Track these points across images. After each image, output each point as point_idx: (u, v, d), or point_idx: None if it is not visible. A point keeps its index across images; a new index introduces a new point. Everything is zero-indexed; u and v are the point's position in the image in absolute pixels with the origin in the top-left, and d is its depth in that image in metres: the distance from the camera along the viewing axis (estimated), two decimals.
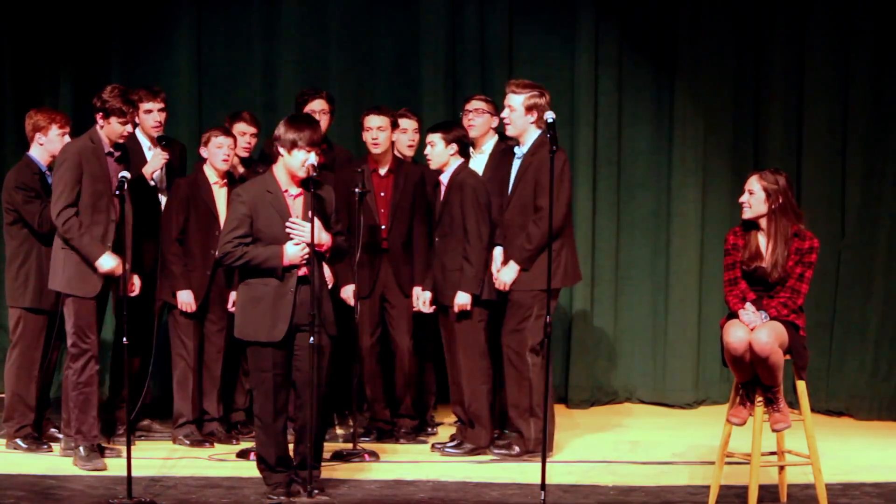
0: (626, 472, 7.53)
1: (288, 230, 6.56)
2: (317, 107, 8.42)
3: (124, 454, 6.79)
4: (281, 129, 6.62)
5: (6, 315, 8.15)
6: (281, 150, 6.61)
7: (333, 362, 6.79)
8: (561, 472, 7.40)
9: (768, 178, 6.63)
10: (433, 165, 7.86)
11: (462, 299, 7.67)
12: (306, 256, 6.54)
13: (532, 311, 7.58)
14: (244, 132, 8.37)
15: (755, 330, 6.44)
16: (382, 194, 8.17)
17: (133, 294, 7.60)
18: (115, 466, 7.30)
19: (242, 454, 7.71)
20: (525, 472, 7.34)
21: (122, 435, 7.64)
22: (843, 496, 6.92)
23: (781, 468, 6.85)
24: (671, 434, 8.75)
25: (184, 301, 7.97)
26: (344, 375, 8.13)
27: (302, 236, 6.54)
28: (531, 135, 7.66)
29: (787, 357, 6.54)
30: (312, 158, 6.55)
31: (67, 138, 7.78)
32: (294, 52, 9.82)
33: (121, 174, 7.04)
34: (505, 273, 7.62)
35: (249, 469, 7.07)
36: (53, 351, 7.91)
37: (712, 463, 6.91)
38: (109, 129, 7.43)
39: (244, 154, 8.38)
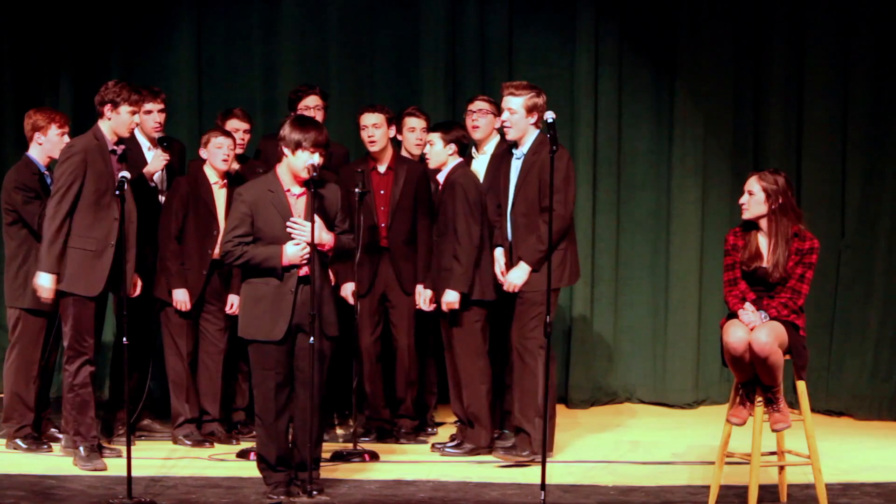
0: (626, 472, 7.52)
1: (288, 230, 6.56)
2: (311, 103, 8.41)
3: (124, 454, 6.78)
4: (286, 130, 6.61)
5: (5, 315, 8.15)
6: (285, 150, 6.61)
7: (333, 362, 6.78)
8: (561, 472, 7.40)
9: (767, 179, 6.62)
10: (431, 164, 7.85)
11: (450, 297, 7.64)
12: (307, 256, 6.54)
13: (543, 310, 7.52)
14: (237, 128, 8.36)
15: (755, 330, 6.44)
16: (382, 192, 8.16)
17: (134, 295, 7.60)
18: (115, 466, 7.29)
19: (242, 454, 7.71)
20: (525, 472, 7.34)
21: (123, 435, 7.63)
22: (843, 496, 6.92)
23: (781, 468, 6.85)
24: (671, 434, 8.74)
25: (179, 299, 7.96)
26: (344, 375, 8.13)
27: (302, 236, 6.54)
28: (530, 135, 7.62)
29: (787, 357, 6.54)
30: (315, 159, 6.56)
31: (67, 138, 7.77)
32: (294, 52, 9.81)
33: (121, 174, 7.01)
34: (514, 275, 7.53)
35: (249, 469, 7.07)
36: (53, 351, 7.91)
37: (712, 463, 6.91)
38: (118, 121, 7.37)
39: (238, 150, 8.36)
